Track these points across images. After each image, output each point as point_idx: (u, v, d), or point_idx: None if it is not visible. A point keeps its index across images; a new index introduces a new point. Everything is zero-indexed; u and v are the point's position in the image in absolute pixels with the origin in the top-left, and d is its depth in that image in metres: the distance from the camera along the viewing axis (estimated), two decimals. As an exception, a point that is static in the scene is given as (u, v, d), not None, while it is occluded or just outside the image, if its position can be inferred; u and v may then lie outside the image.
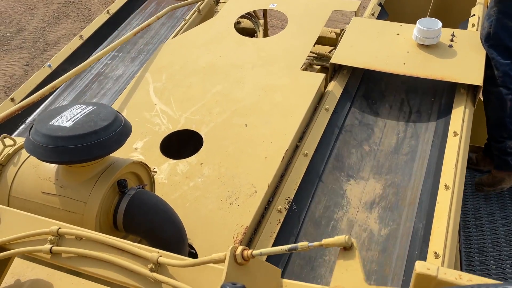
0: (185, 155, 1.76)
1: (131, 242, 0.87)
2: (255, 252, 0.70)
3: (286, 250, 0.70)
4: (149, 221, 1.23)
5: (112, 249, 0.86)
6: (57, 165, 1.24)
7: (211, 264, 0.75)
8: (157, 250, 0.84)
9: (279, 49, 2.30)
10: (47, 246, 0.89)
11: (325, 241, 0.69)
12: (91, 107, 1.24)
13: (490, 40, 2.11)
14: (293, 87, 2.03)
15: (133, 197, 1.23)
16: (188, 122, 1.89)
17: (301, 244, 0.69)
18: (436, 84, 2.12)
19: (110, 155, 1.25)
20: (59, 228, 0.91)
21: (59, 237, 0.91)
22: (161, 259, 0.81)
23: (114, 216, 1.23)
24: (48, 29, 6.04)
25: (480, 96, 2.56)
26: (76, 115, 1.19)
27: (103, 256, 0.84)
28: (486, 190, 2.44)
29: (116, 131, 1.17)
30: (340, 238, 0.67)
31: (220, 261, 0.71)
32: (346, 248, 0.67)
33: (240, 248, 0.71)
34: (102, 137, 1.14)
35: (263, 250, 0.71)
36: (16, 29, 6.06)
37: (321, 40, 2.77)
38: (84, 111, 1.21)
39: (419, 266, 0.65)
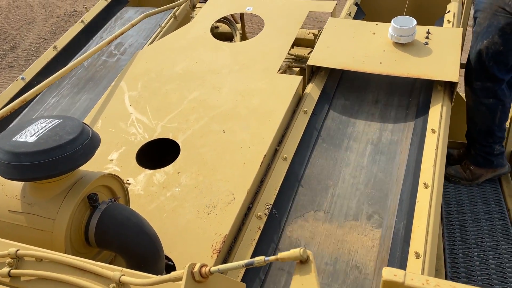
0: (163, 165, 1.73)
1: (93, 261, 0.84)
2: (213, 269, 0.68)
3: (243, 265, 0.68)
4: (122, 236, 1.20)
5: (73, 270, 0.83)
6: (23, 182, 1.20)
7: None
8: (120, 268, 0.81)
9: (255, 52, 2.28)
10: (5, 269, 0.85)
11: (280, 254, 0.67)
12: (57, 120, 1.20)
13: (498, 56, 2.15)
14: (270, 90, 2.01)
15: (104, 211, 1.20)
16: (165, 131, 1.86)
17: (258, 258, 0.66)
18: (414, 82, 2.12)
19: (80, 168, 1.21)
20: (18, 250, 0.87)
21: (18, 260, 0.87)
22: (123, 278, 0.78)
23: (86, 232, 1.20)
24: (42, 45, 5.86)
25: (462, 95, 2.60)
26: (40, 129, 1.15)
27: (64, 277, 0.81)
28: (463, 183, 2.51)
29: (83, 145, 1.14)
30: (295, 251, 0.64)
31: (179, 279, 0.69)
32: (302, 262, 0.66)
33: (198, 265, 0.69)
34: (68, 152, 1.11)
35: (221, 267, 0.69)
36: (10, 46, 5.82)
37: (299, 42, 2.77)
38: (49, 125, 1.18)
39: (386, 273, 0.63)
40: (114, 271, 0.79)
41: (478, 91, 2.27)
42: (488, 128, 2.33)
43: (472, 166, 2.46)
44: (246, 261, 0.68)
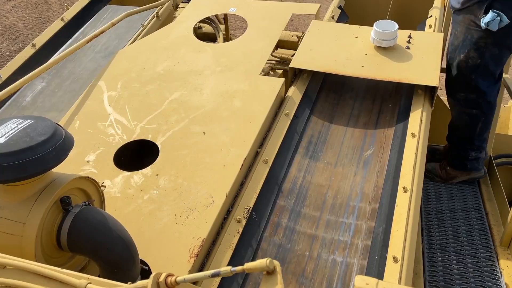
0: (141, 167, 1.70)
1: (59, 269, 0.81)
2: (179, 278, 0.66)
3: (209, 275, 0.66)
4: (95, 240, 1.16)
5: (39, 277, 0.80)
6: (-7, 184, 1.15)
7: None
8: (87, 276, 0.79)
9: (238, 54, 2.26)
10: (-34, 277, 0.82)
11: (247, 265, 0.65)
12: (29, 121, 1.16)
13: (478, 69, 2.16)
14: (252, 92, 2.00)
15: (77, 215, 1.17)
16: (144, 132, 1.83)
17: (224, 269, 0.65)
18: (395, 85, 2.13)
19: (53, 170, 1.18)
20: (-20, 257, 0.84)
21: (-20, 267, 0.84)
22: (90, 286, 0.75)
23: (58, 236, 1.16)
24: (52, 48, 5.57)
25: (443, 99, 2.63)
26: (10, 130, 1.12)
27: (28, 285, 0.78)
28: (437, 180, 2.57)
29: (55, 146, 1.10)
30: (261, 262, 0.63)
31: (144, 289, 0.67)
32: (269, 272, 0.64)
33: (164, 274, 0.67)
34: (39, 153, 1.07)
35: (187, 277, 0.67)
36: (19, 47, 5.41)
37: (283, 44, 2.76)
38: (20, 125, 1.14)
39: (358, 281, 0.62)
40: (81, 279, 0.77)
41: (462, 102, 2.29)
42: (468, 136, 2.37)
43: (447, 167, 2.52)
44: (212, 271, 0.66)
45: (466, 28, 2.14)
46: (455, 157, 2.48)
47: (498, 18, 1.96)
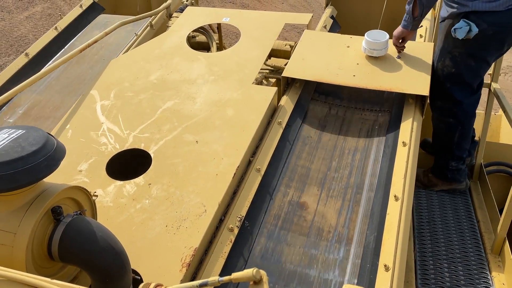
0: (134, 176, 1.70)
1: (49, 280, 0.81)
2: (168, 289, 0.67)
3: (197, 285, 0.66)
4: (86, 250, 1.16)
5: (28, 288, 0.79)
6: (-17, 194, 1.15)
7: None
8: (78, 287, 0.79)
9: (231, 63, 2.28)
10: (-45, 289, 0.81)
11: (234, 275, 0.66)
12: (20, 131, 1.16)
13: (453, 78, 2.19)
14: (245, 101, 2.01)
15: (68, 224, 1.16)
16: (137, 141, 1.83)
17: (211, 279, 0.65)
18: (387, 94, 2.15)
19: (46, 180, 1.18)
20: (-31, 268, 0.83)
21: (-31, 278, 0.83)
22: (80, 298, 0.76)
23: (49, 246, 1.16)
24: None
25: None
26: (2, 140, 1.12)
27: (18, 296, 0.78)
28: (418, 185, 2.57)
29: (46, 156, 1.11)
30: (248, 272, 0.64)
31: (133, 300, 0.67)
32: (256, 282, 0.65)
33: (152, 285, 0.67)
34: (30, 163, 1.07)
35: (175, 286, 0.67)
36: None
37: (276, 53, 2.78)
38: (12, 135, 1.14)
39: (347, 291, 0.63)
40: (71, 291, 0.77)
41: (439, 110, 2.32)
42: (447, 144, 2.38)
43: (430, 174, 2.53)
44: (200, 281, 0.66)
45: (444, 36, 2.18)
46: (437, 165, 2.51)
47: (468, 27, 1.99)
